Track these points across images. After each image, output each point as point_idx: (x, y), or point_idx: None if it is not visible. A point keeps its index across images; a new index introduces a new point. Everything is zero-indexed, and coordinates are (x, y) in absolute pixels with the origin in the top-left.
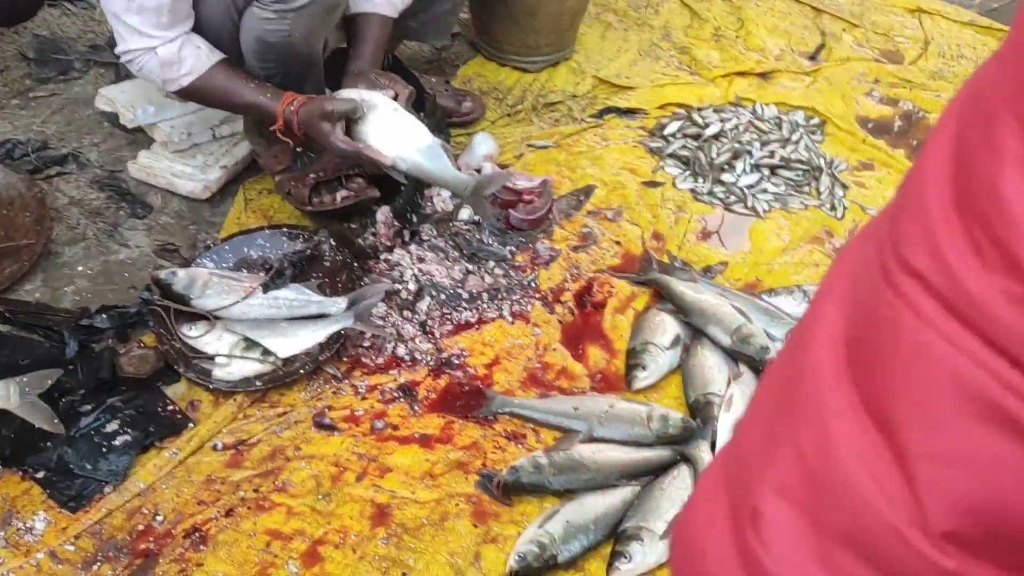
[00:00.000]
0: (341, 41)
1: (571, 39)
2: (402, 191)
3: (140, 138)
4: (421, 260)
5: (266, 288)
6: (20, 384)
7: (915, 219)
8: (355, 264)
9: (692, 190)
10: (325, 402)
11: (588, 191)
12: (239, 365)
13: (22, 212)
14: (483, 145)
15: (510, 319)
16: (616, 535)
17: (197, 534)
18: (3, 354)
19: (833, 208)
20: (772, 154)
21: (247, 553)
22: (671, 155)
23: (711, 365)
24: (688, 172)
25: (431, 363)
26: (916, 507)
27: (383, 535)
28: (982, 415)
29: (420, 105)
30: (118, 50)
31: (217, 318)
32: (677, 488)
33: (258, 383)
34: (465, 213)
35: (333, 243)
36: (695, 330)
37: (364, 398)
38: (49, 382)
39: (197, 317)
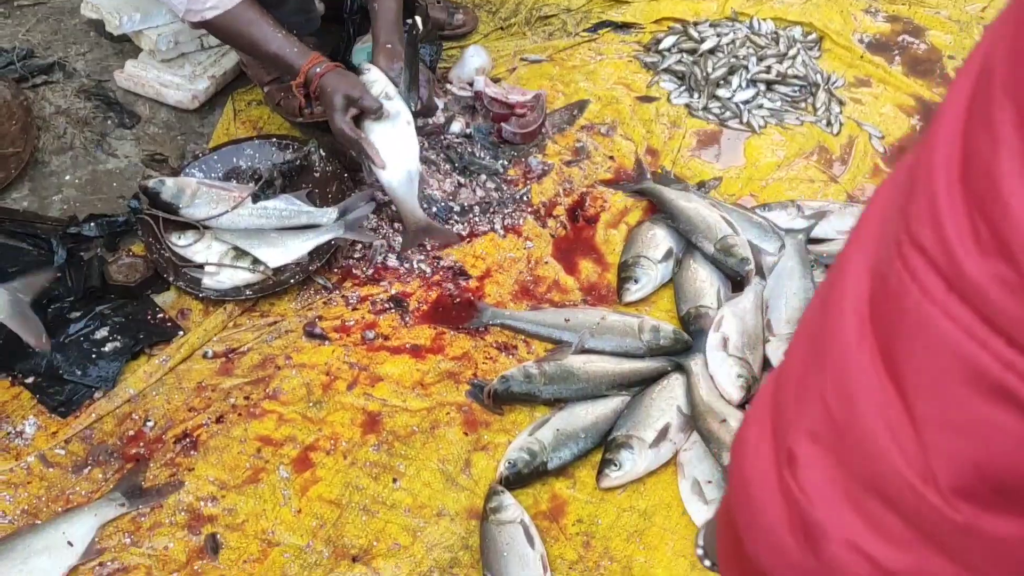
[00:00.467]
0: None
1: None
2: None
3: (127, 47)
4: None
5: (256, 198)
6: (11, 290)
7: (923, 191)
8: (345, 175)
9: (687, 105)
10: (316, 312)
11: (582, 106)
12: (229, 274)
13: (8, 120)
14: (475, 58)
15: (502, 232)
16: (606, 443)
17: (188, 440)
18: None
19: (829, 124)
20: (768, 69)
21: (238, 458)
22: (666, 70)
23: (703, 278)
24: (683, 87)
25: (422, 275)
26: (926, 464)
27: (374, 442)
28: (983, 389)
29: (411, 11)
30: None
31: (206, 227)
32: (667, 398)
33: (248, 292)
34: (456, 126)
35: (323, 154)
36: (688, 244)
37: (355, 308)
38: (43, 285)
39: (186, 226)
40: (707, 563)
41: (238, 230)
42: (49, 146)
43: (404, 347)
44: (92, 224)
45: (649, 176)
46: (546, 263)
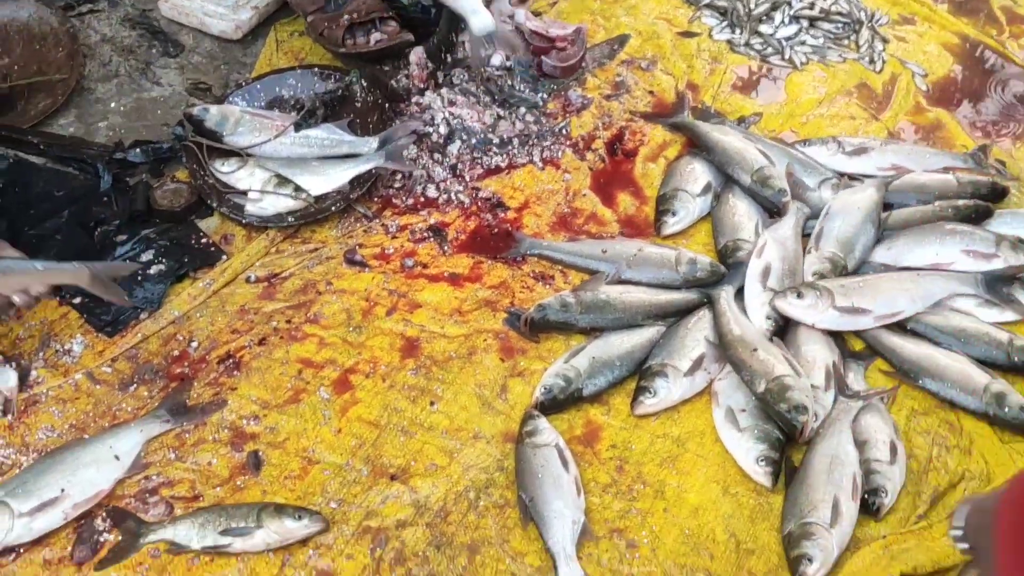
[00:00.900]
0: None
1: None
2: (436, 34)
3: None
4: (452, 104)
5: (298, 127)
6: (94, 268)
7: None
8: (386, 105)
9: (729, 41)
10: (356, 240)
11: (622, 40)
12: (271, 201)
13: (55, 47)
14: None
15: (540, 165)
16: (641, 371)
17: (231, 360)
18: (39, 185)
19: (872, 62)
20: (812, 5)
21: (280, 379)
22: (708, 5)
23: (741, 212)
24: (725, 23)
25: (460, 205)
26: None
27: (412, 366)
28: None
29: None
30: None
31: (249, 155)
32: (703, 328)
33: (290, 219)
34: (497, 59)
35: (365, 84)
36: (727, 179)
37: (394, 237)
38: (122, 276)
39: (230, 153)
40: (963, 546)
41: (280, 158)
42: (95, 74)
43: (442, 275)
44: (138, 150)
45: (688, 111)
46: (584, 195)
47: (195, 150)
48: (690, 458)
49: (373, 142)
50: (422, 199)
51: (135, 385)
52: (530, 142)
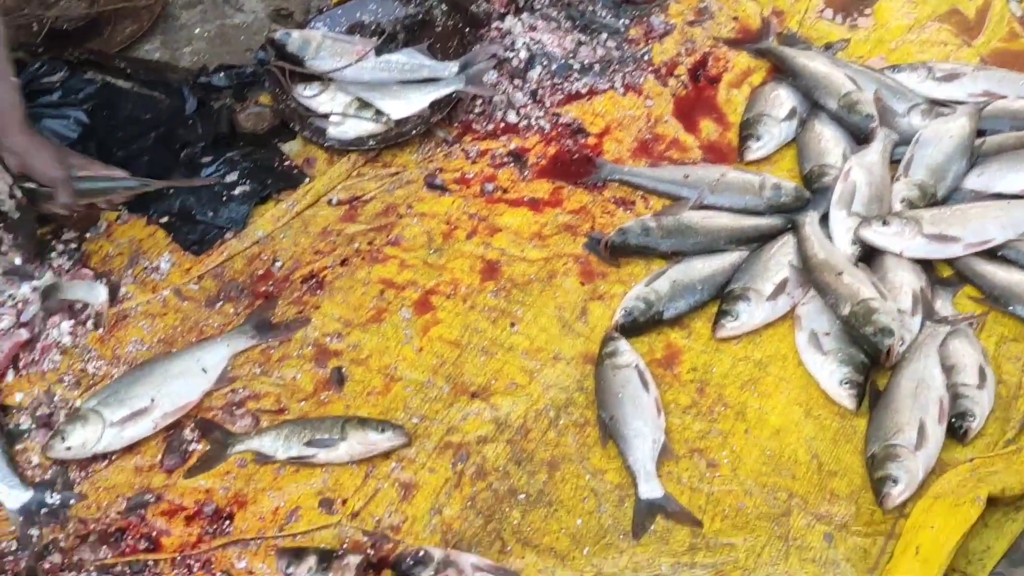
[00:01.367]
0: None
1: None
2: None
3: None
4: (533, 29)
5: (378, 51)
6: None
7: None
8: (467, 30)
9: None
10: (436, 164)
11: None
12: (353, 124)
13: None
14: None
15: (622, 91)
16: (723, 295)
17: (314, 280)
18: (126, 109)
19: None
20: None
21: (362, 299)
22: None
23: (828, 137)
24: None
25: (540, 131)
26: None
27: (492, 288)
28: None
29: None
30: None
31: (330, 79)
32: (786, 253)
33: (371, 142)
34: None
35: (445, 8)
36: (812, 105)
37: (474, 162)
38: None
39: (311, 78)
40: None
41: (361, 82)
42: (179, 0)
43: (522, 200)
44: (221, 75)
45: (774, 36)
46: (666, 122)
47: (278, 74)
48: (772, 381)
49: (453, 67)
50: (502, 124)
51: (221, 302)
52: (611, 68)
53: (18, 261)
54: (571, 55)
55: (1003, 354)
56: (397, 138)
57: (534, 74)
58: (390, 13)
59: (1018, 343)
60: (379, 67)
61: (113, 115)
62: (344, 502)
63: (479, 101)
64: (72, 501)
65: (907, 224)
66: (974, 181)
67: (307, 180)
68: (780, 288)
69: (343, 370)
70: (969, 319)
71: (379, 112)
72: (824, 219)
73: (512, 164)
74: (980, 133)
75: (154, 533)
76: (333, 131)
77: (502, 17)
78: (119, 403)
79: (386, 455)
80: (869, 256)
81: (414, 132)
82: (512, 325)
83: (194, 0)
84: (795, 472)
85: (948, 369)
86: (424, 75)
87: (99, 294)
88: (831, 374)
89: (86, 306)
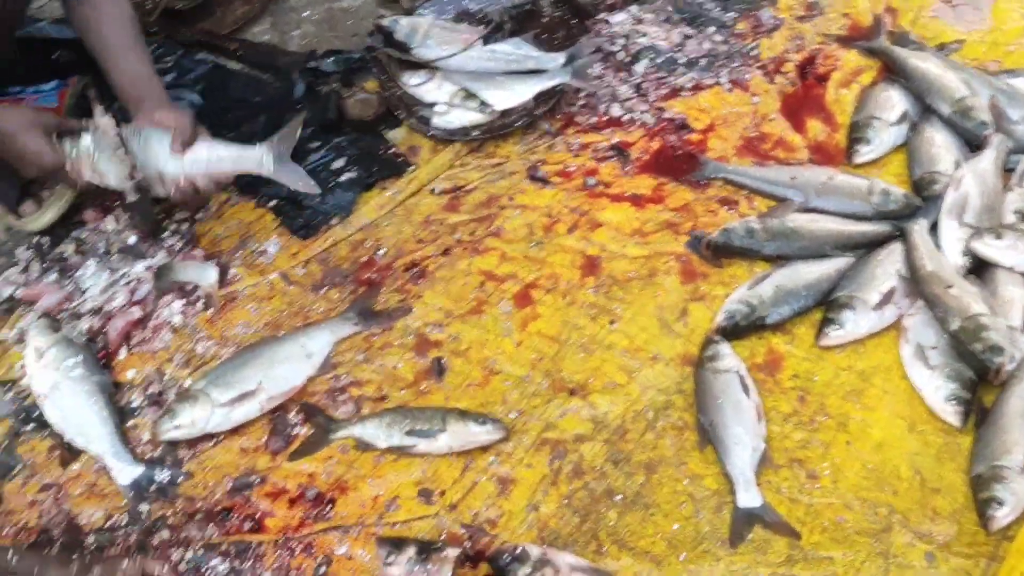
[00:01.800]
0: None
1: None
2: None
3: None
4: (640, 21)
5: (485, 41)
6: (273, 146)
7: None
8: (573, 21)
9: None
10: (539, 156)
11: None
12: (458, 114)
13: None
14: None
15: (728, 86)
16: (827, 302)
17: (416, 269)
18: (237, 90)
19: None
20: None
21: (462, 290)
22: None
23: (939, 143)
24: None
25: (644, 125)
26: None
27: (592, 284)
28: None
29: None
30: None
31: (437, 68)
32: (894, 262)
33: (475, 133)
34: None
35: None
36: (925, 108)
37: (577, 155)
38: (298, 131)
39: (418, 66)
40: None
41: (467, 72)
42: None
43: (624, 195)
44: (330, 59)
45: (885, 35)
46: (772, 120)
47: (384, 62)
48: (875, 393)
49: (560, 58)
50: (605, 118)
51: (326, 287)
52: (718, 63)
53: (132, 241)
54: (677, 49)
55: None
56: (501, 129)
57: (639, 67)
58: (498, 2)
59: None
60: (485, 57)
61: (224, 96)
62: (442, 493)
63: (583, 93)
64: (180, 479)
65: (1021, 237)
66: None
67: (411, 168)
68: (887, 298)
69: (443, 361)
70: None
71: (484, 102)
72: (933, 228)
73: (615, 158)
74: None
75: (258, 514)
76: (438, 120)
77: (610, 9)
78: (227, 385)
79: (484, 449)
80: (979, 268)
81: (518, 123)
82: (611, 323)
83: None
84: (897, 488)
85: None
86: (530, 66)
87: (210, 275)
88: (937, 389)
89: (196, 287)
